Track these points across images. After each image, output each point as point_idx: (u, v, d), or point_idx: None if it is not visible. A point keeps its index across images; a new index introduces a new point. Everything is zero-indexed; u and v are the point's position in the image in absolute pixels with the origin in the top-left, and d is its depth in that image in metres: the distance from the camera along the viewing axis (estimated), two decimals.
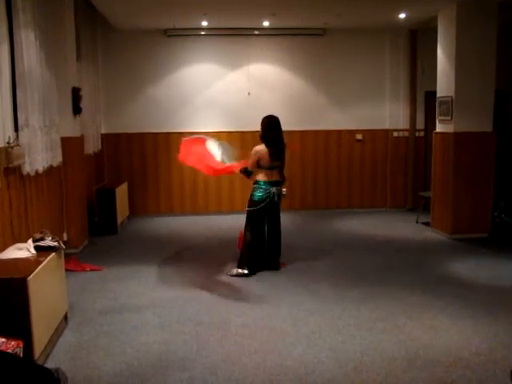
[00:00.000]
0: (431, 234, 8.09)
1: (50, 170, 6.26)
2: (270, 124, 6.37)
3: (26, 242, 4.58)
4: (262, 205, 6.19)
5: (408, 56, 9.88)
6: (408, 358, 4.03)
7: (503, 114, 8.66)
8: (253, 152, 6.25)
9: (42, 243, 4.46)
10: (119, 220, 8.51)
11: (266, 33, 9.65)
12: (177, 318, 4.89)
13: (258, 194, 6.22)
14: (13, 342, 3.32)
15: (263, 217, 6.25)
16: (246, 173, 6.36)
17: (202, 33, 9.59)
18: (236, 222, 9.10)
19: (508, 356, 4.06)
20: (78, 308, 5.12)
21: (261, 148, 6.24)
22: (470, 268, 6.37)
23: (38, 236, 4.56)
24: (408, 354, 4.11)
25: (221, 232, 8.46)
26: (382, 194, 10.26)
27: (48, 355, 4.10)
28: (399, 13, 8.41)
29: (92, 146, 8.54)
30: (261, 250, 6.30)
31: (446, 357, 4.05)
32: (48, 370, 3.08)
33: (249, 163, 6.27)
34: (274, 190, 6.22)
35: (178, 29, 9.38)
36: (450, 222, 7.78)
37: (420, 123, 10.05)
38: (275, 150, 6.26)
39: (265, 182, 6.22)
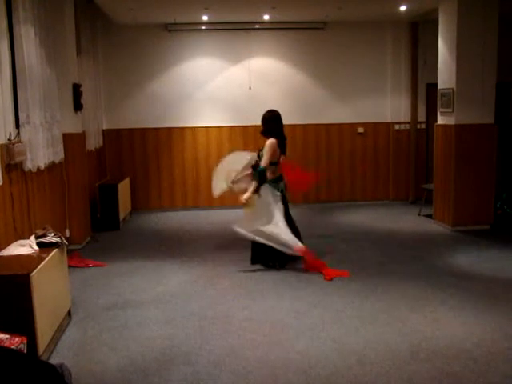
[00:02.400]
0: (433, 227, 8.09)
1: (51, 166, 6.27)
2: (275, 118, 6.36)
3: (28, 238, 4.60)
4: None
5: (409, 48, 9.84)
6: (411, 350, 4.04)
7: (505, 106, 8.64)
8: (270, 145, 6.12)
9: (44, 239, 4.48)
10: (121, 216, 8.52)
11: (267, 27, 9.63)
12: (180, 312, 4.90)
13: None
14: (17, 338, 3.33)
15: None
16: (260, 175, 6.06)
17: (203, 27, 9.57)
18: (238, 216, 9.10)
19: (510, 347, 4.07)
20: (81, 304, 5.13)
21: (274, 141, 6.15)
22: (473, 260, 6.37)
23: (40, 232, 4.58)
24: (411, 346, 4.12)
25: (223, 226, 8.45)
26: (385, 187, 10.25)
27: (52, 351, 4.12)
28: (400, 5, 8.38)
29: (93, 142, 8.55)
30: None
31: (448, 349, 4.06)
32: (52, 366, 3.09)
33: (266, 159, 6.06)
34: (281, 184, 6.24)
35: (179, 23, 9.36)
36: (452, 214, 7.77)
37: (421, 116, 10.03)
38: (282, 143, 6.27)
39: (273, 180, 6.16)
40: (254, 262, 6.35)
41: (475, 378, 3.62)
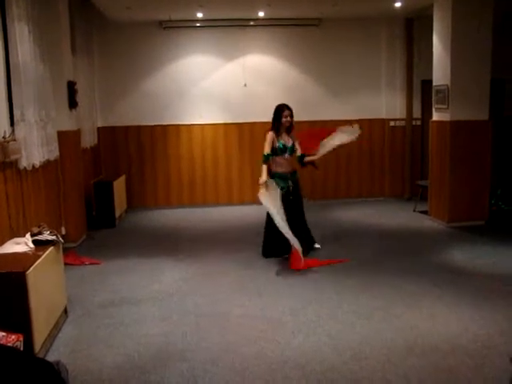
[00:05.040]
0: (429, 223, 8.11)
1: (46, 164, 6.26)
2: (274, 112, 6.52)
3: (24, 236, 4.60)
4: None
5: (404, 45, 9.84)
6: (406, 346, 4.05)
7: (499, 103, 8.65)
8: (267, 137, 6.43)
9: (40, 237, 4.47)
10: (117, 213, 8.50)
11: (262, 23, 9.60)
12: (176, 309, 4.91)
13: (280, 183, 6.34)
14: (13, 336, 3.33)
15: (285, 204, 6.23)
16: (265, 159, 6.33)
17: (198, 24, 9.56)
18: (234, 213, 9.14)
19: (506, 342, 4.09)
20: (77, 301, 5.13)
21: (270, 133, 6.41)
22: (468, 256, 6.38)
23: (35, 230, 4.57)
24: (406, 341, 4.13)
25: (219, 224, 8.47)
26: (380, 184, 10.26)
27: (48, 348, 4.12)
28: (395, 1, 8.37)
29: (89, 140, 8.54)
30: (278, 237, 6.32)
31: (444, 344, 4.08)
32: (49, 363, 3.09)
33: (265, 147, 6.34)
34: (288, 182, 6.41)
35: (174, 20, 9.34)
36: (448, 210, 7.79)
37: (416, 112, 10.03)
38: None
39: (277, 174, 6.38)
40: (266, 255, 6.46)
41: (471, 374, 3.63)
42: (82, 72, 8.19)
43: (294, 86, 9.91)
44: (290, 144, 6.45)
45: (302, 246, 6.07)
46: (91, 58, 9.04)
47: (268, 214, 6.42)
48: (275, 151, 6.36)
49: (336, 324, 4.50)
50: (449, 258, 6.35)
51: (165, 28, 9.52)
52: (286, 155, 6.42)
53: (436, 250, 6.65)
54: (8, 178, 5.09)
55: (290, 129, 6.49)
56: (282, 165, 6.39)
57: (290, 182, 6.42)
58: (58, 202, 6.89)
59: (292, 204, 6.38)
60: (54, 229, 5.02)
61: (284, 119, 6.38)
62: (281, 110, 6.43)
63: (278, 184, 6.20)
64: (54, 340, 4.28)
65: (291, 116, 6.43)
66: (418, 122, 10.04)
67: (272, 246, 6.44)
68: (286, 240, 5.97)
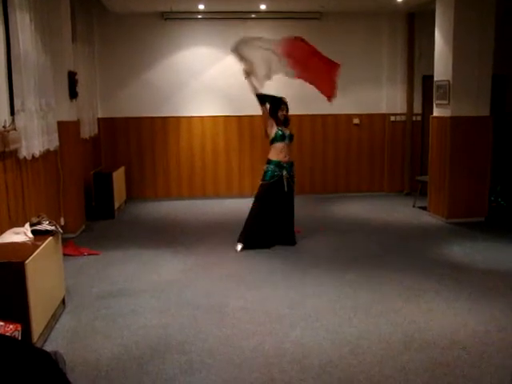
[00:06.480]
0: (428, 218, 8.11)
1: (46, 154, 6.25)
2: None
3: (23, 226, 4.58)
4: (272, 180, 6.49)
5: (405, 40, 9.82)
6: (404, 341, 4.06)
7: (500, 99, 8.63)
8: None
9: (39, 227, 4.47)
10: (116, 204, 8.50)
11: (263, 16, 9.58)
12: (175, 301, 4.91)
13: (269, 172, 6.52)
14: (11, 326, 3.33)
15: (274, 194, 6.43)
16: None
17: (199, 16, 9.52)
18: (233, 206, 9.13)
19: (504, 338, 4.10)
20: (75, 292, 5.13)
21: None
22: (467, 252, 6.39)
23: (35, 220, 4.56)
24: (404, 336, 4.14)
25: (218, 216, 8.47)
26: (380, 179, 10.26)
27: (46, 339, 4.11)
28: None
29: (88, 131, 8.51)
30: (264, 227, 6.51)
31: (442, 339, 4.08)
32: (46, 353, 3.09)
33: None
34: (284, 171, 6.51)
35: (175, 12, 9.31)
36: (447, 206, 7.78)
37: (417, 107, 10.02)
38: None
39: (273, 162, 6.52)
40: (248, 245, 6.50)
41: (468, 369, 3.64)
42: (83, 62, 8.16)
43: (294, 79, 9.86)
44: (287, 133, 6.61)
45: (280, 239, 6.56)
46: (92, 49, 9.01)
47: (254, 203, 6.52)
48: (275, 137, 6.51)
49: (334, 318, 4.50)
50: (448, 253, 6.35)
51: (166, 19, 9.49)
52: (286, 142, 6.56)
53: (435, 246, 6.65)
54: (8, 167, 5.07)
55: (286, 123, 6.66)
56: (281, 151, 6.50)
57: (285, 173, 6.52)
58: (57, 192, 6.87)
59: (284, 197, 6.52)
60: (53, 219, 5.01)
61: (280, 112, 6.58)
62: (279, 104, 6.64)
63: (271, 171, 6.46)
64: (51, 330, 4.28)
65: (287, 111, 6.67)
66: (419, 118, 10.03)
67: (255, 236, 6.51)
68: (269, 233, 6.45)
